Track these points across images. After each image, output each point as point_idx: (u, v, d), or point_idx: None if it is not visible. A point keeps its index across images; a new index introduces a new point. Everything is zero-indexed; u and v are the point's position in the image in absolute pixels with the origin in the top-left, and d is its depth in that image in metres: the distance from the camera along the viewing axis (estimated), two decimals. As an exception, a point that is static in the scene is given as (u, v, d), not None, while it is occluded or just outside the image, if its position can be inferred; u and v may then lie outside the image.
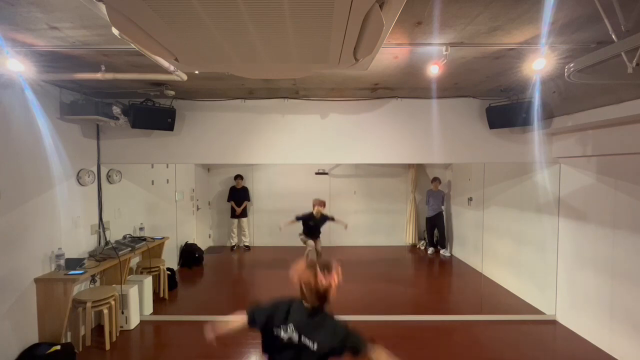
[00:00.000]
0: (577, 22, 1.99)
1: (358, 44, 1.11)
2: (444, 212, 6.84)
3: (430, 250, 6.94)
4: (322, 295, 1.54)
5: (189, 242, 6.05)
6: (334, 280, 1.54)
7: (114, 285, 3.71)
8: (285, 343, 1.54)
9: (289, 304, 1.62)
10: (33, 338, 3.04)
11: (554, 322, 3.94)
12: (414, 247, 7.34)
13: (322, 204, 5.22)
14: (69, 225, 3.49)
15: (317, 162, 5.46)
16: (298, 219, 5.24)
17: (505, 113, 3.69)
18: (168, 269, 4.73)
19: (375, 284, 5.21)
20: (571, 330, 3.73)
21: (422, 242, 7.26)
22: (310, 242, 5.24)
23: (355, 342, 1.52)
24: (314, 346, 1.49)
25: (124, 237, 4.16)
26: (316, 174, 7.21)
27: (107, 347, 3.33)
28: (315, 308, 1.57)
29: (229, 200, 7.02)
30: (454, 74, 3.04)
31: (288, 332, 1.54)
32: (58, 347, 2.96)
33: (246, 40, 1.09)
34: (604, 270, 3.33)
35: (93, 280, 3.74)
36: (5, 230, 2.81)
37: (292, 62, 1.32)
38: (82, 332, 3.33)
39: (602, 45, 1.96)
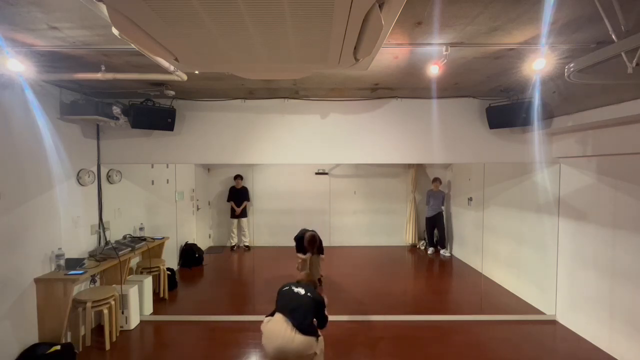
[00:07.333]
0: (577, 22, 1.99)
1: (358, 44, 1.11)
2: (443, 212, 6.84)
3: (430, 250, 6.94)
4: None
5: (189, 242, 6.05)
6: None
7: (114, 285, 3.71)
8: None
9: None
10: (33, 338, 3.04)
11: (554, 322, 3.94)
12: (414, 247, 7.33)
13: (311, 244, 4.41)
14: (69, 225, 3.49)
15: (317, 162, 5.45)
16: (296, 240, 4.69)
17: (505, 113, 3.69)
18: (168, 269, 4.73)
19: (375, 284, 5.20)
20: (571, 330, 3.74)
21: (422, 242, 7.25)
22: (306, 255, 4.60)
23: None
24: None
25: (124, 237, 4.16)
26: (316, 174, 7.20)
27: (107, 347, 3.34)
28: None
29: (228, 201, 7.01)
30: (454, 74, 3.04)
31: None
32: (58, 347, 2.96)
33: (246, 41, 1.09)
34: (604, 270, 3.33)
35: (93, 280, 3.74)
36: (5, 230, 2.81)
37: (292, 63, 1.31)
38: (82, 332, 3.34)
39: (602, 45, 1.96)
